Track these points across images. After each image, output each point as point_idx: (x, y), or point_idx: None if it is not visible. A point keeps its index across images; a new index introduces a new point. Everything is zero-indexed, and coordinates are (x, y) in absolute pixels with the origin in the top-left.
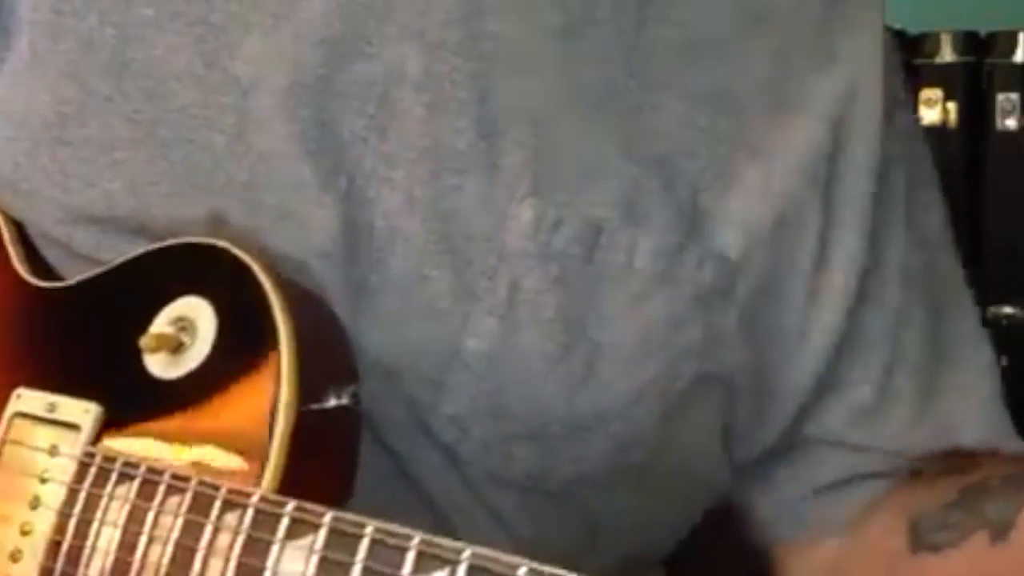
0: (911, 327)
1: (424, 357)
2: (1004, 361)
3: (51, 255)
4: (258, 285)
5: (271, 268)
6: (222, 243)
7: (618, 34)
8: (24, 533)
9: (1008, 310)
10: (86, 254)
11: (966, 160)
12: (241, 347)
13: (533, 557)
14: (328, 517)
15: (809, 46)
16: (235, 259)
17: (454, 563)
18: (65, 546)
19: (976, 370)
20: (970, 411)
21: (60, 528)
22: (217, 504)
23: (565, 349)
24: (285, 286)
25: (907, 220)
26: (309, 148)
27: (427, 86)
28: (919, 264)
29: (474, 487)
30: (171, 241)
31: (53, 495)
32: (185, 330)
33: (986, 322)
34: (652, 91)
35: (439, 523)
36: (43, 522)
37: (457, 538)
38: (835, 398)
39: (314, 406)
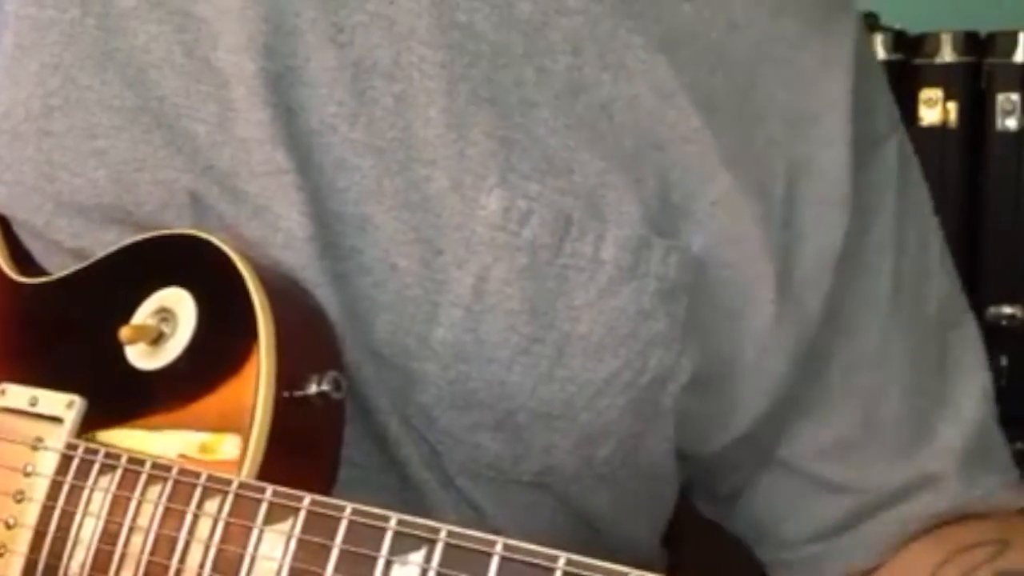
0: (894, 360)
1: (394, 346)
2: (1004, 361)
3: (33, 247)
4: (237, 274)
5: (250, 258)
6: (202, 234)
7: (591, 25)
8: (9, 527)
9: (1008, 310)
10: (68, 245)
11: (966, 160)
12: (221, 336)
13: None
14: (307, 501)
15: (782, 60)
16: (215, 249)
17: (431, 542)
18: (49, 538)
19: (965, 407)
20: (953, 458)
21: (44, 520)
22: (197, 492)
23: (531, 340)
24: (265, 274)
25: (896, 247)
26: (282, 134)
27: (396, 76)
28: (908, 294)
29: (449, 478)
30: (152, 233)
31: (37, 488)
32: (166, 320)
33: (986, 322)
34: (626, 84)
35: (426, 512)
36: (27, 515)
37: None
38: (806, 424)
39: (294, 393)
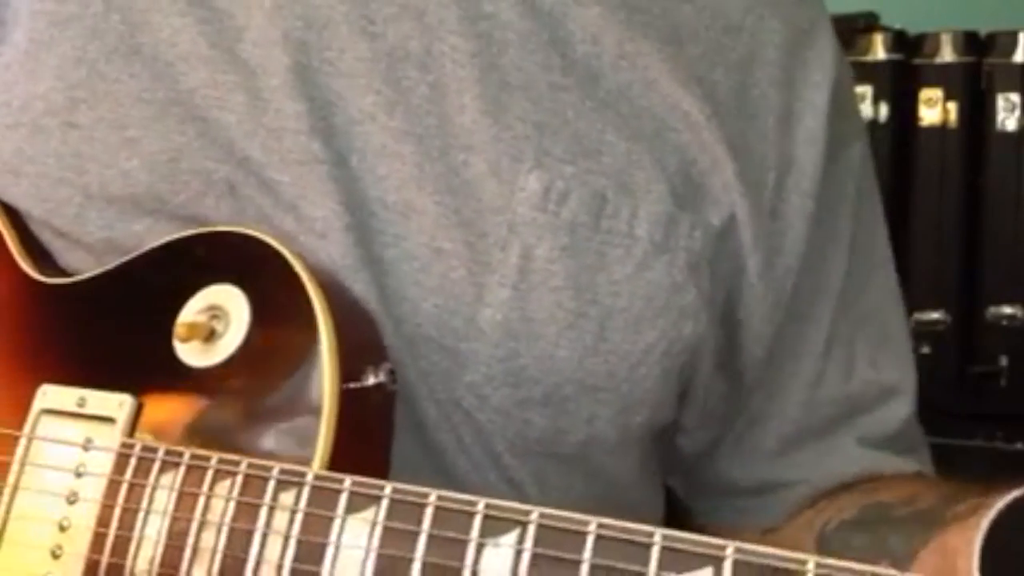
0: (839, 348)
1: (442, 328)
2: (1004, 361)
3: (54, 245)
4: (290, 269)
5: (298, 252)
6: (248, 230)
7: (608, 15)
8: (63, 529)
9: (1008, 310)
10: (97, 236)
11: (966, 160)
12: (276, 331)
13: None
14: (388, 489)
15: (771, 62)
16: (262, 244)
17: (523, 524)
18: (111, 538)
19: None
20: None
21: (103, 520)
22: (271, 485)
23: (577, 315)
24: (313, 270)
25: (851, 241)
26: (319, 127)
27: (429, 65)
28: (856, 287)
29: (494, 457)
30: (192, 231)
31: (92, 488)
32: (217, 318)
33: (986, 322)
34: (643, 70)
35: None
36: (84, 516)
37: None
38: (756, 398)
39: (354, 384)
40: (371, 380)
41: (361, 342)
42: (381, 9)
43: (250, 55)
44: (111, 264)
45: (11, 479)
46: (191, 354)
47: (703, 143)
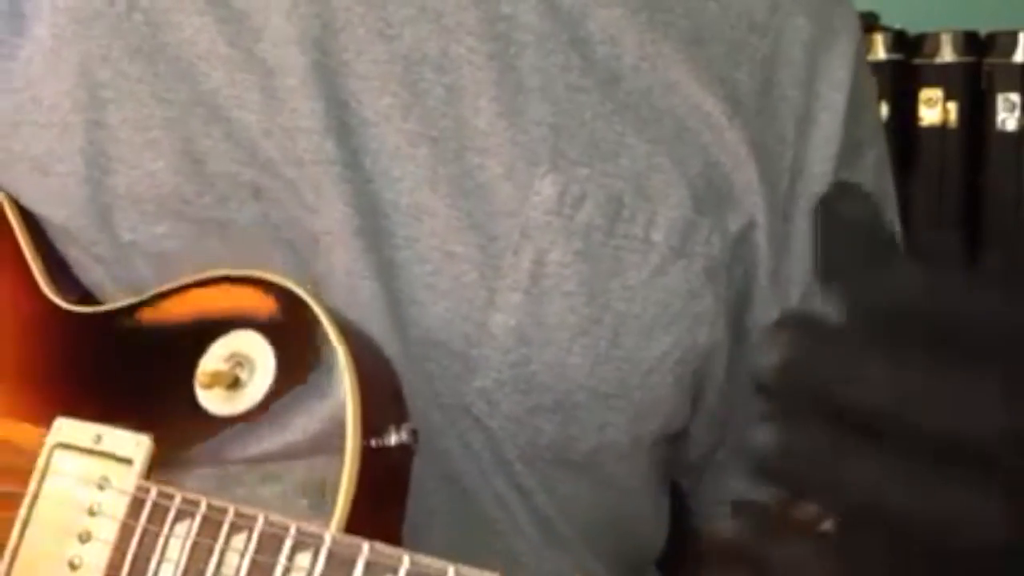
0: None
1: (453, 333)
2: None
3: (69, 254)
4: (315, 319)
5: (321, 300)
6: (273, 276)
7: (629, 15)
8: (74, 567)
9: None
10: (122, 242)
11: (966, 160)
12: (300, 383)
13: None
14: (406, 561)
15: (796, 61)
16: (287, 292)
17: None
18: None
19: None
20: None
21: (114, 564)
22: (287, 544)
23: (590, 321)
24: (338, 320)
25: None
26: (333, 126)
27: (446, 67)
28: None
29: (504, 464)
30: (217, 272)
31: (104, 529)
32: (240, 365)
33: None
34: (664, 71)
35: (464, 505)
36: (95, 556)
37: (484, 522)
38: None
39: (376, 443)
40: (393, 439)
41: (385, 400)
42: (398, 12)
43: (268, 55)
44: (136, 299)
45: (23, 512)
46: (213, 401)
47: (725, 144)
